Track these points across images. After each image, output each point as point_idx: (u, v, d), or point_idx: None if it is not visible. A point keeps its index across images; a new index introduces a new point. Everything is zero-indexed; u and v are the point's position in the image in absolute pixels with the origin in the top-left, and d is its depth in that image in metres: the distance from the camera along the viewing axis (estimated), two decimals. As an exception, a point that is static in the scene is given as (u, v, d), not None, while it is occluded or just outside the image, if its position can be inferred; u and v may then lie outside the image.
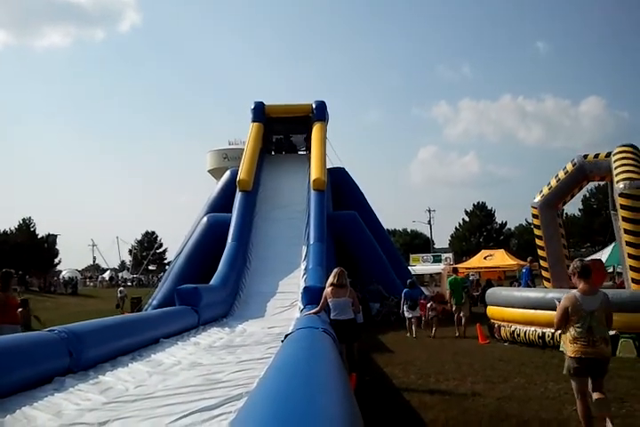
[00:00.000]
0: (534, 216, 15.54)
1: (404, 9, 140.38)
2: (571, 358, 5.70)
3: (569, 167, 14.86)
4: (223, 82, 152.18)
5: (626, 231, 12.55)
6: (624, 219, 12.60)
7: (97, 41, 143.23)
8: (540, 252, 15.43)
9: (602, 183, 30.97)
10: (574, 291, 5.85)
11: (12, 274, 8.99)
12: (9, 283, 8.73)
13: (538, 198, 15.31)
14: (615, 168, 13.25)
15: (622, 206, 12.59)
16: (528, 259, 19.01)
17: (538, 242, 15.42)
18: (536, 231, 15.55)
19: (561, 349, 6.03)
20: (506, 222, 70.39)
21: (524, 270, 19.05)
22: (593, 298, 5.71)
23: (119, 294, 27.77)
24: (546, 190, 15.26)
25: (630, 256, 12.41)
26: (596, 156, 14.48)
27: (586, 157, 14.66)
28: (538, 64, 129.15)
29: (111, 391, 5.48)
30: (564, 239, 15.69)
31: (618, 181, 12.75)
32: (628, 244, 12.48)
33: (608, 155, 14.06)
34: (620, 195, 12.57)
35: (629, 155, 13.46)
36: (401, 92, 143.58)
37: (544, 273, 15.36)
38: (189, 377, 6.09)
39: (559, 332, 6.02)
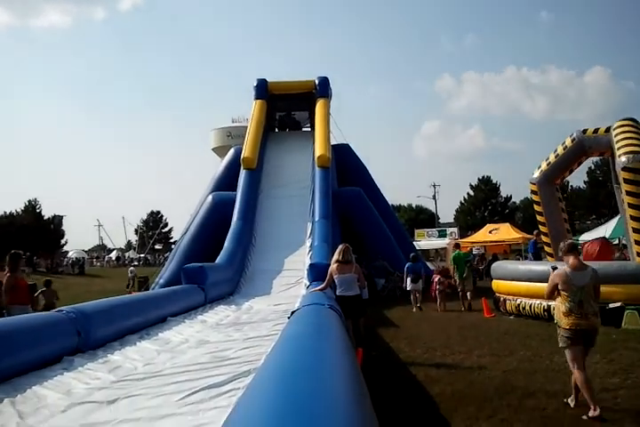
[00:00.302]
0: (533, 192, 15.48)
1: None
2: (566, 330, 5.93)
3: (568, 142, 14.73)
4: (226, 59, 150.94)
5: (630, 205, 12.48)
6: (628, 193, 12.51)
7: (97, 19, 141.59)
8: (541, 227, 15.42)
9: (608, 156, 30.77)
10: (564, 267, 6.12)
11: (20, 255, 9.03)
12: (17, 264, 8.77)
13: (536, 174, 15.23)
14: (616, 142, 13.11)
15: (625, 180, 12.49)
16: (534, 232, 19.00)
17: (539, 218, 15.40)
18: (536, 207, 15.50)
19: (555, 321, 6.23)
20: (511, 196, 70.13)
21: (530, 244, 19.08)
22: (582, 274, 5.99)
23: (130, 274, 27.88)
24: (544, 166, 15.15)
25: (635, 230, 12.36)
26: (596, 131, 14.32)
27: (585, 131, 14.50)
28: (541, 34, 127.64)
29: (120, 370, 5.54)
30: (564, 213, 15.64)
31: (620, 155, 12.62)
32: (632, 218, 12.40)
33: (607, 130, 13.92)
34: (624, 169, 12.45)
35: (630, 128, 13.32)
36: (403, 66, 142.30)
37: (546, 248, 15.37)
38: (197, 355, 6.14)
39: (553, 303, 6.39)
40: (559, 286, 6.03)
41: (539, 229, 15.83)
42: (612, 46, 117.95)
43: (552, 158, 15.05)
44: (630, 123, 13.53)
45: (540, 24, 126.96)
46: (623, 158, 12.50)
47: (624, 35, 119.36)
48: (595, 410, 5.51)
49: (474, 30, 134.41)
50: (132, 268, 30.32)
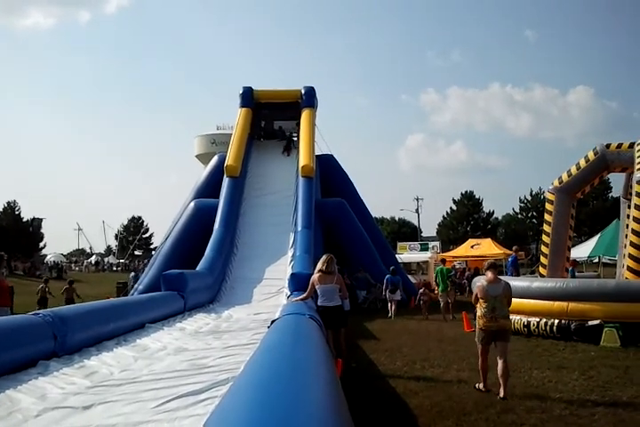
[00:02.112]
0: (549, 201, 15.38)
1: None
2: (480, 330, 7.46)
3: (590, 156, 14.71)
4: (211, 65, 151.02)
5: (635, 219, 12.58)
6: (636, 206, 12.63)
7: (82, 22, 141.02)
8: (544, 237, 15.32)
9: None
10: (483, 281, 7.66)
11: (3, 257, 8.85)
12: (0, 265, 8.61)
13: (555, 184, 15.18)
14: (638, 157, 13.21)
15: (638, 194, 12.62)
16: (513, 248, 19.11)
17: (545, 228, 15.30)
18: (546, 217, 15.39)
19: (476, 324, 7.76)
20: (493, 212, 70.60)
21: (510, 259, 19.12)
22: (496, 286, 7.45)
23: (131, 282, 27.27)
24: (565, 177, 15.09)
25: (633, 245, 12.44)
26: (619, 146, 14.35)
27: (608, 146, 14.50)
28: (526, 53, 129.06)
29: (96, 376, 5.46)
30: (571, 231, 15.58)
31: (638, 169, 12.77)
32: (633, 232, 12.50)
33: (631, 146, 13.96)
34: (639, 182, 12.61)
35: None
36: (389, 79, 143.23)
37: (542, 259, 15.27)
38: (175, 362, 6.07)
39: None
40: (478, 295, 7.53)
41: (542, 240, 15.74)
42: (595, 66, 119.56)
43: (574, 170, 15.01)
44: None
45: (524, 42, 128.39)
46: (639, 174, 12.68)
47: (607, 55, 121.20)
48: (481, 383, 7.40)
49: (459, 46, 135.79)
50: (132, 273, 29.90)
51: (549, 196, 15.36)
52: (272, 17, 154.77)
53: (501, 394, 6.96)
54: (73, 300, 17.09)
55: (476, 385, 7.46)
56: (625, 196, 13.62)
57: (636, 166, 13.02)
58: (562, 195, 15.12)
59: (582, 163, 14.93)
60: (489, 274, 7.61)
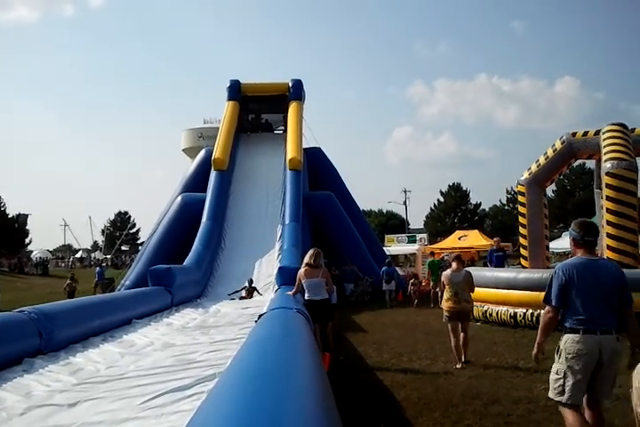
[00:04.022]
0: (520, 193, 15.44)
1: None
2: (446, 311, 8.81)
3: (557, 145, 14.78)
4: (198, 59, 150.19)
5: (608, 211, 12.60)
6: (608, 198, 12.64)
7: (66, 15, 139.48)
8: (521, 229, 15.40)
9: (575, 165, 31.15)
10: (448, 270, 9.13)
11: None
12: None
13: (525, 176, 15.21)
14: (604, 147, 13.24)
15: (607, 186, 12.62)
16: (494, 239, 19.12)
17: (521, 220, 15.36)
18: (520, 209, 15.48)
19: (441, 306, 9.26)
20: (480, 203, 70.92)
21: (490, 251, 19.07)
22: (458, 274, 8.86)
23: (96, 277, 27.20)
24: (534, 168, 15.13)
25: (609, 236, 12.46)
26: (585, 133, 14.41)
27: (574, 134, 14.57)
28: (513, 43, 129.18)
29: (82, 372, 5.43)
30: (546, 220, 15.65)
31: (606, 160, 12.75)
32: (608, 223, 12.53)
33: (597, 133, 14.02)
34: (607, 173, 12.59)
35: (618, 134, 13.43)
36: (376, 71, 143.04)
37: (522, 251, 15.36)
38: (162, 358, 6.05)
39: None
40: (444, 282, 8.93)
41: (513, 233, 15.87)
42: (581, 57, 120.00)
43: (542, 161, 15.04)
44: (619, 128, 13.64)
45: (511, 33, 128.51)
46: (608, 164, 12.62)
47: (593, 46, 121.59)
48: (459, 364, 8.34)
49: (446, 37, 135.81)
50: (97, 268, 29.76)
51: (520, 188, 15.42)
52: (258, 9, 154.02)
53: (463, 359, 8.41)
54: (74, 294, 19.77)
55: (456, 366, 8.32)
56: (598, 186, 13.66)
57: (603, 157, 13.01)
58: (532, 186, 15.19)
59: (550, 152, 14.98)
60: (454, 264, 9.11)
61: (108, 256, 65.10)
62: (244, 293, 14.01)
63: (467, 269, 9.54)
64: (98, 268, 26.16)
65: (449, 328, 8.77)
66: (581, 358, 4.27)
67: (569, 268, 4.48)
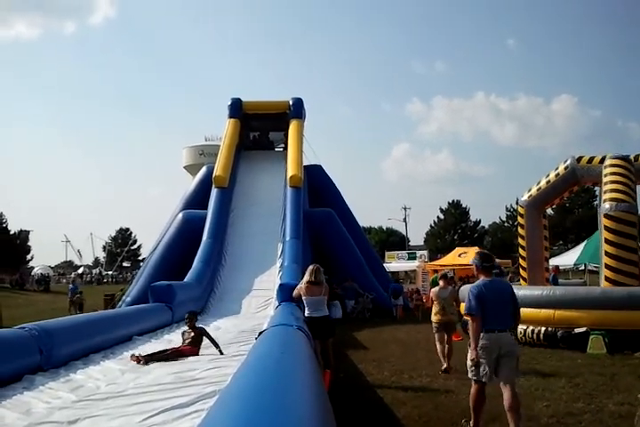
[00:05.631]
0: (520, 215, 15.36)
1: (378, 5, 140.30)
2: (435, 323, 9.69)
3: (561, 169, 14.60)
4: (198, 78, 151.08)
5: (606, 254, 12.42)
6: (606, 241, 12.44)
7: (67, 33, 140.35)
8: (520, 251, 15.33)
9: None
10: (436, 287, 10.11)
11: None
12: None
13: (525, 197, 15.16)
14: (605, 184, 12.97)
15: (606, 228, 12.42)
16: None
17: (520, 241, 15.30)
18: (520, 230, 15.39)
19: (432, 319, 9.88)
20: (480, 220, 70.99)
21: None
22: (445, 291, 9.87)
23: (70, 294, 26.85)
24: (534, 191, 15.02)
25: (608, 255, 12.39)
26: (590, 160, 14.13)
27: (579, 160, 14.34)
28: (509, 62, 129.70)
29: (82, 390, 5.44)
30: (546, 242, 15.55)
31: (605, 200, 12.50)
32: (607, 242, 12.45)
33: (602, 160, 13.75)
34: (605, 215, 12.39)
35: (620, 170, 13.09)
36: (374, 89, 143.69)
37: (522, 272, 15.32)
38: (162, 375, 6.06)
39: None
40: (433, 298, 10.01)
41: (516, 251, 15.81)
42: (578, 75, 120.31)
43: (543, 184, 14.93)
44: (623, 164, 13.30)
45: (507, 51, 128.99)
46: (607, 205, 12.36)
47: (590, 63, 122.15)
48: (444, 364, 9.22)
49: (442, 56, 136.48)
50: (70, 285, 29.73)
51: (520, 210, 15.36)
52: (258, 26, 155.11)
53: (444, 366, 9.21)
54: (82, 307, 21.08)
55: (442, 368, 9.21)
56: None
57: (603, 195, 12.71)
58: (532, 208, 15.14)
59: (552, 176, 14.81)
60: (441, 282, 10.18)
61: (110, 272, 65.06)
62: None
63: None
64: (71, 285, 26.09)
65: (436, 338, 9.78)
66: (486, 349, 5.65)
67: (480, 287, 5.79)
